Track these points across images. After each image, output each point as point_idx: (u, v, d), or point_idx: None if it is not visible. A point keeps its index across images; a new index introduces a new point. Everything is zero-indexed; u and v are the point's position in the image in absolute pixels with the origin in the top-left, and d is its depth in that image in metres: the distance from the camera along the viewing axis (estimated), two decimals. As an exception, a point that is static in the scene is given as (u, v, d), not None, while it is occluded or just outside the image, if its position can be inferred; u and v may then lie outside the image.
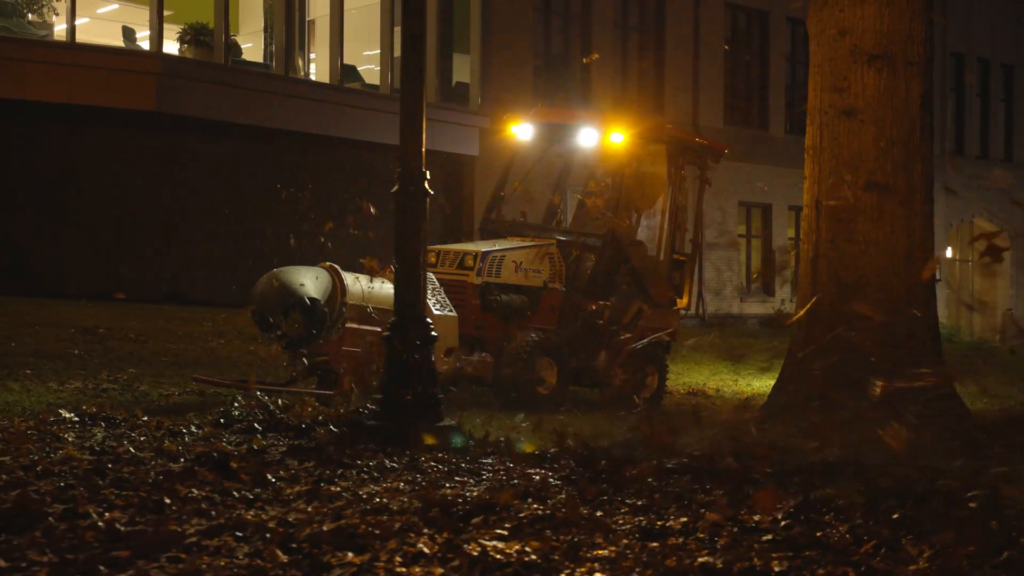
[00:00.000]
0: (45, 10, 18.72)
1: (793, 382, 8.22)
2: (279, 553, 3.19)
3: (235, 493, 4.04)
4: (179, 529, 3.39)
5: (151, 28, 16.52)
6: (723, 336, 20.07)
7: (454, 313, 8.51)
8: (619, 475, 4.72)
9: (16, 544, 3.17)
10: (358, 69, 20.81)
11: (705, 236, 13.26)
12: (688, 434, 6.21)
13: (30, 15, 17.70)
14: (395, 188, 6.29)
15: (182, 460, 4.62)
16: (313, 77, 20.38)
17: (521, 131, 10.68)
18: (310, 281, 7.68)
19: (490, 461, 5.27)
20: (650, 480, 4.69)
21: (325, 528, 3.46)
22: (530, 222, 10.75)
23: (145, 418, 5.70)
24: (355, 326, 7.83)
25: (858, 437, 6.55)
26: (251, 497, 4.05)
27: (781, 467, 5.12)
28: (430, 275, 8.47)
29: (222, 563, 3.14)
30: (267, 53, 19.96)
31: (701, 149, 11.14)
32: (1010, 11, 31.44)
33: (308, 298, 7.45)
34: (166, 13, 20.63)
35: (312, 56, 21.19)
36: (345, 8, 19.46)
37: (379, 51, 21.12)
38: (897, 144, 8.00)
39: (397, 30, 20.13)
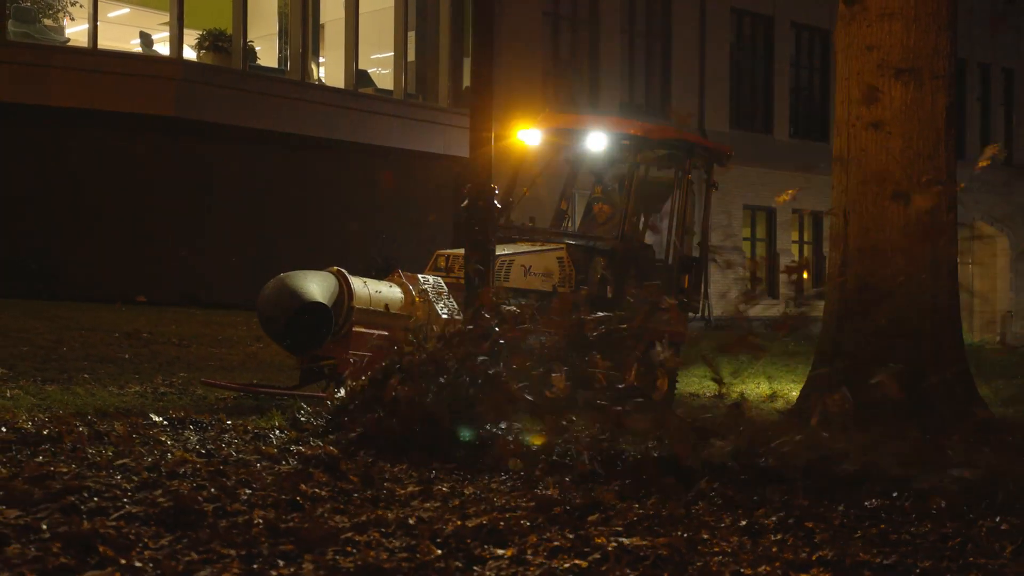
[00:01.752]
0: (60, 15, 18.94)
1: (821, 386, 8.43)
2: (433, 547, 3.42)
3: (354, 494, 4.26)
4: (336, 526, 3.62)
5: (171, 34, 16.73)
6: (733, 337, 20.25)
7: (461, 316, 8.31)
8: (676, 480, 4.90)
9: (197, 539, 3.39)
10: (369, 73, 21.02)
11: (711, 239, 13.36)
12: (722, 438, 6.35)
13: (45, 20, 17.90)
14: (465, 203, 6.47)
15: (286, 462, 4.84)
16: (323, 81, 20.55)
17: (528, 137, 10.71)
18: (316, 286, 7.69)
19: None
20: (707, 482, 4.86)
21: (469, 525, 3.69)
22: (539, 227, 10.82)
23: (229, 422, 5.91)
24: (362, 330, 7.88)
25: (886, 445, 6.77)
26: (371, 496, 4.25)
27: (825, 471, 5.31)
28: (438, 280, 8.63)
29: (384, 556, 3.35)
30: (280, 58, 20.17)
31: (707, 152, 11.18)
32: (1011, 15, 31.72)
33: (314, 302, 7.47)
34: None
35: (322, 60, 21.38)
36: (345, 10, 19.64)
37: (391, 55, 21.34)
38: (923, 155, 8.22)
39: (412, 35, 20.35)
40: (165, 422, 5.75)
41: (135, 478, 4.20)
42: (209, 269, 16.74)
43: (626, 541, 3.51)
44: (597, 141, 10.48)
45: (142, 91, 16.07)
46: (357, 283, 8.04)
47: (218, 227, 16.88)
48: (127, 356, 8.96)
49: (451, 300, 8.56)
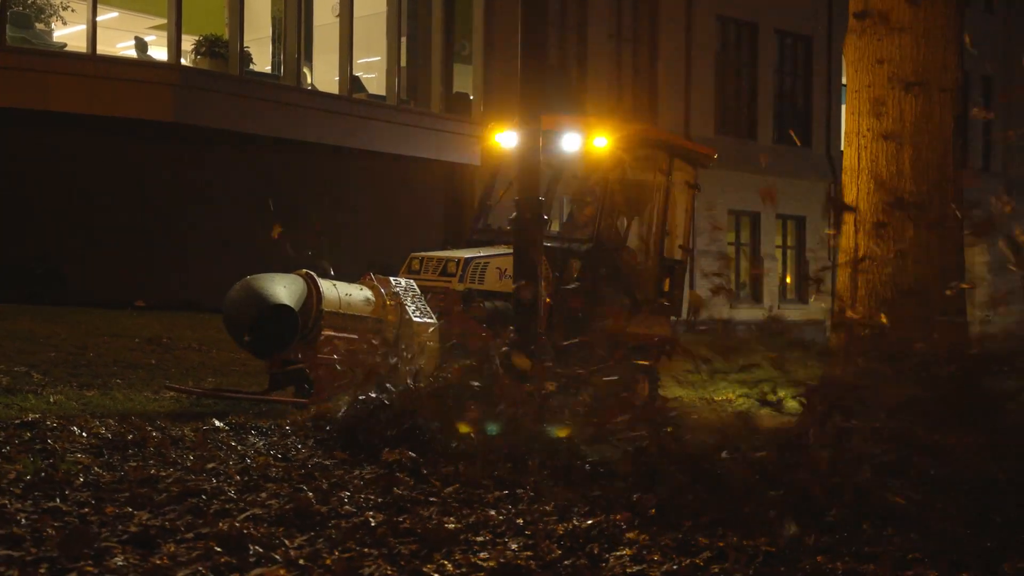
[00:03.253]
0: (53, 19, 18.97)
1: (831, 392, 8.64)
2: (554, 547, 3.58)
3: (446, 497, 4.41)
4: (448, 526, 3.78)
5: (169, 40, 16.80)
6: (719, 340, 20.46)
7: (434, 320, 8.40)
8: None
9: (331, 538, 3.54)
10: (360, 78, 21.13)
11: (696, 243, 13.28)
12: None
13: (39, 24, 17.92)
14: (513, 215, 6.61)
15: (362, 467, 4.99)
16: (315, 86, 20.66)
17: (505, 139, 10.51)
18: (283, 288, 7.60)
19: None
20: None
21: (582, 526, 3.86)
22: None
23: (288, 427, 6.05)
24: (331, 333, 7.77)
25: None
26: (464, 498, 4.42)
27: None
28: (411, 282, 8.58)
29: (508, 554, 3.51)
30: (275, 63, 20.25)
31: (689, 154, 11.10)
32: (1014, 29, 32.25)
33: (280, 305, 7.35)
34: (163, 22, 20.98)
35: (310, 65, 21.47)
36: (339, 16, 19.75)
37: (378, 60, 21.47)
38: (932, 167, 8.45)
39: (404, 40, 20.49)
40: (228, 427, 5.88)
41: (234, 480, 4.34)
42: (205, 273, 16.80)
43: (734, 539, 3.70)
44: (572, 142, 10.33)
45: (140, 96, 16.13)
46: (326, 286, 7.95)
47: (216, 231, 16.95)
48: (153, 361, 9.08)
49: (424, 303, 8.46)
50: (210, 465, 4.59)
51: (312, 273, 7.94)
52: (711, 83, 26.35)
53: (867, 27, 8.59)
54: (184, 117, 16.45)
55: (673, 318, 11.08)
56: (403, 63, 20.58)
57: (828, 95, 28.73)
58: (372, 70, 21.53)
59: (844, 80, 31.23)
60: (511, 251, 9.20)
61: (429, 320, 8.32)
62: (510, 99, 20.99)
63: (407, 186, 19.87)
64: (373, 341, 7.61)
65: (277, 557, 3.22)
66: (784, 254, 28.81)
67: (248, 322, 7.29)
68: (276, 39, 20.17)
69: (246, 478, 4.39)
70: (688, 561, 3.42)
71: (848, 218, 8.82)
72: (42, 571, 3.16)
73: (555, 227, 11.74)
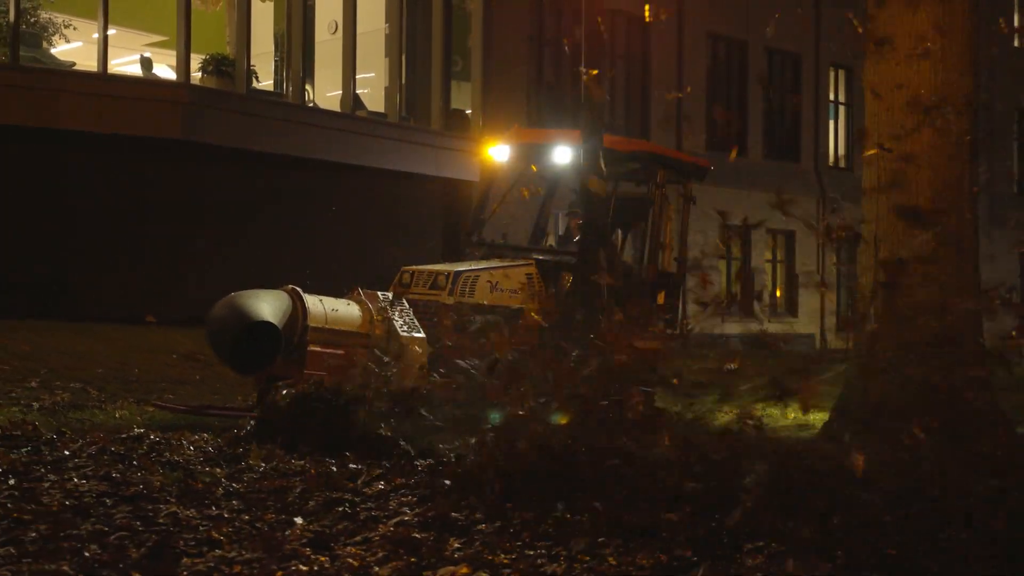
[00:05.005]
0: (58, 38, 19.10)
1: (852, 410, 8.95)
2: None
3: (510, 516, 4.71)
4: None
5: (178, 59, 16.98)
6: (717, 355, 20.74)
7: (422, 334, 8.32)
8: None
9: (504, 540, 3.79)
10: (359, 95, 21.32)
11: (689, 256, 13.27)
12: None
13: (45, 44, 18.05)
14: (577, 238, 6.84)
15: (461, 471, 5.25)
16: (316, 103, 20.85)
17: (498, 152, 10.60)
18: (268, 305, 7.53)
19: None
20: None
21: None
22: (511, 243, 10.63)
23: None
24: (318, 349, 7.73)
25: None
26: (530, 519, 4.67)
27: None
28: (400, 296, 8.53)
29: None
30: (277, 80, 20.43)
31: (682, 166, 11.11)
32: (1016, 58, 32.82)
33: (263, 321, 7.28)
34: (162, 39, 21.14)
35: (312, 82, 21.65)
36: (342, 34, 19.95)
37: (378, 78, 21.69)
38: (950, 188, 8.77)
39: (403, 58, 20.72)
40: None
41: (363, 492, 4.58)
42: (211, 289, 16.93)
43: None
44: (563, 155, 10.31)
45: (149, 114, 16.30)
46: (312, 301, 7.90)
47: (221, 247, 17.11)
48: (198, 377, 9.25)
49: (412, 317, 8.40)
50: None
51: (298, 289, 7.90)
52: (703, 99, 26.71)
53: (886, 53, 8.89)
54: (192, 134, 16.62)
55: (669, 331, 11.22)
56: (403, 80, 20.81)
57: (816, 112, 29.15)
58: (365, 86, 21.73)
59: (832, 97, 31.34)
60: (502, 264, 9.62)
61: (417, 334, 8.27)
62: (508, 115, 21.40)
63: (408, 202, 20.08)
64: (361, 355, 7.57)
65: (457, 553, 3.47)
66: (774, 268, 29.18)
67: (231, 339, 7.26)
68: (279, 56, 20.36)
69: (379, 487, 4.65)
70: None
71: (868, 237, 9.13)
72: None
73: (551, 241, 11.82)
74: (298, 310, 7.74)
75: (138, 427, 6.30)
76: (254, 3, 18.87)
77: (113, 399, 7.67)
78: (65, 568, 3.58)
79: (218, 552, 3.73)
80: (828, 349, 26.76)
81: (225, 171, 17.32)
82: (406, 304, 8.46)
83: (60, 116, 15.75)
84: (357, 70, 20.87)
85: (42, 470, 5.55)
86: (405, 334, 8.07)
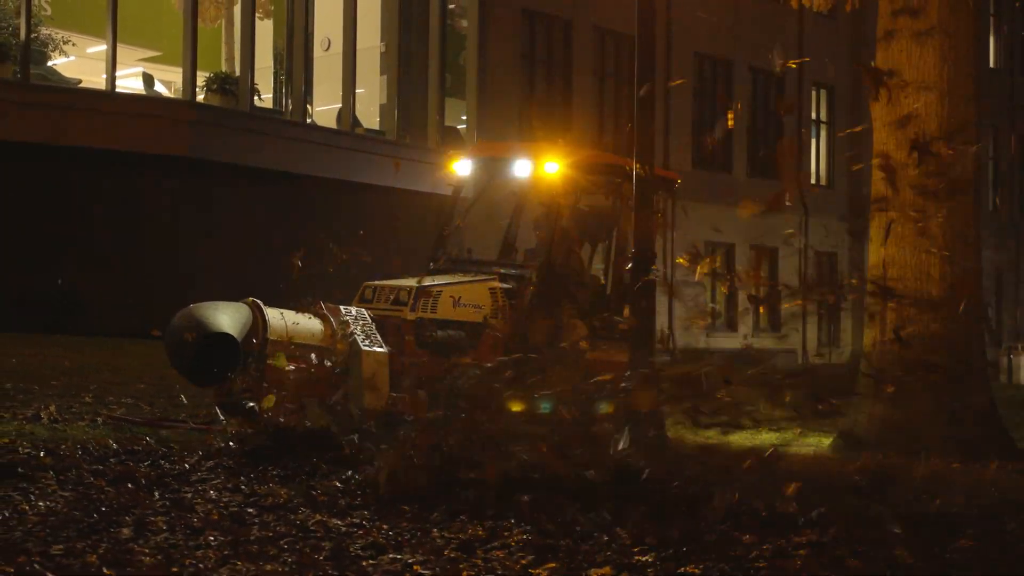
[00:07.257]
0: (57, 55, 19.32)
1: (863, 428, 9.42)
2: None
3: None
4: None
5: (183, 77, 17.26)
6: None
7: (384, 349, 8.18)
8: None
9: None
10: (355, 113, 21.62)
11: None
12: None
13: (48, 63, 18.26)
14: (629, 266, 7.17)
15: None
16: (315, 121, 21.12)
17: (460, 167, 10.54)
18: (227, 316, 7.38)
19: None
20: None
21: None
22: (475, 258, 10.62)
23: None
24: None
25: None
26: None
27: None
28: (363, 311, 8.41)
29: None
30: (276, 97, 20.70)
31: (649, 179, 11.34)
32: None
33: (221, 333, 7.14)
34: (156, 54, 21.39)
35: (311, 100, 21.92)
36: (343, 53, 20.24)
37: (373, 95, 21.99)
38: (955, 212, 9.25)
39: (398, 75, 21.05)
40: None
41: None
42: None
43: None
44: (523, 168, 10.27)
45: (156, 131, 16.56)
46: (273, 314, 7.77)
47: (225, 262, 17.35)
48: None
49: (375, 332, 8.25)
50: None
51: (259, 302, 7.81)
52: (688, 117, 27.22)
53: (895, 87, 9.37)
54: (198, 152, 16.89)
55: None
56: (398, 97, 21.14)
57: (799, 130, 29.69)
58: (359, 103, 22.02)
59: (814, 115, 31.65)
60: (465, 279, 9.50)
61: (379, 349, 8.11)
62: (502, 132, 21.74)
63: (404, 218, 20.35)
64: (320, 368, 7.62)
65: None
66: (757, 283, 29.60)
67: (189, 351, 7.16)
68: (279, 74, 20.63)
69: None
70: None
71: (877, 261, 9.59)
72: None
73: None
74: (259, 323, 7.65)
75: (217, 443, 6.63)
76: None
77: (167, 415, 7.92)
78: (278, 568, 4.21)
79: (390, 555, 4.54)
80: (811, 364, 27.22)
81: (228, 187, 17.58)
82: (369, 318, 8.37)
83: (68, 133, 15.99)
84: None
85: (175, 483, 5.85)
86: (367, 348, 7.98)
